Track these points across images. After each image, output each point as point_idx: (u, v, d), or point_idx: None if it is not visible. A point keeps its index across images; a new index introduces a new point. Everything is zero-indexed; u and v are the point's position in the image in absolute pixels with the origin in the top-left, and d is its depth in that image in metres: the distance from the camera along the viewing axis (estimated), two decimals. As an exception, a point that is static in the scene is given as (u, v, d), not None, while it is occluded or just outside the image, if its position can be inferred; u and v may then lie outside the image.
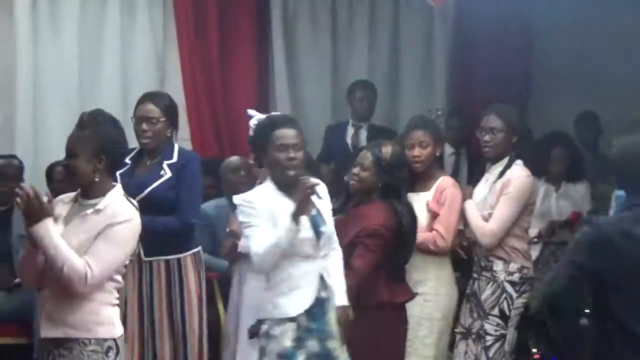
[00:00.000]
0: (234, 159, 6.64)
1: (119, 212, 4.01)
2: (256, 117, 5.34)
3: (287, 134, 4.75)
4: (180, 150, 5.44)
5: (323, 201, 4.85)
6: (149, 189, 5.34)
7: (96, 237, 3.94)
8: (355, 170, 5.36)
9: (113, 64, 7.88)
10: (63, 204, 4.06)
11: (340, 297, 4.86)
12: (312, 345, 4.70)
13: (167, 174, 5.36)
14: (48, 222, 3.85)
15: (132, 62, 7.97)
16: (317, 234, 4.76)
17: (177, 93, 7.91)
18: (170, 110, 5.44)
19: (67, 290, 3.91)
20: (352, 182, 5.40)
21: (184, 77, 8.03)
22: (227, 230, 5.90)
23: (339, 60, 8.60)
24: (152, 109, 5.33)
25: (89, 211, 3.98)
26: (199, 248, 5.62)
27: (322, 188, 4.80)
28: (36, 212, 3.81)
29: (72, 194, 4.11)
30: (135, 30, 7.99)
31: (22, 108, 7.59)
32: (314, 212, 4.72)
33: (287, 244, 4.60)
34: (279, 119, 5.00)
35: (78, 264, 3.87)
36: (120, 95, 7.74)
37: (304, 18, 8.52)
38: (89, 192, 4.03)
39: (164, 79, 8.04)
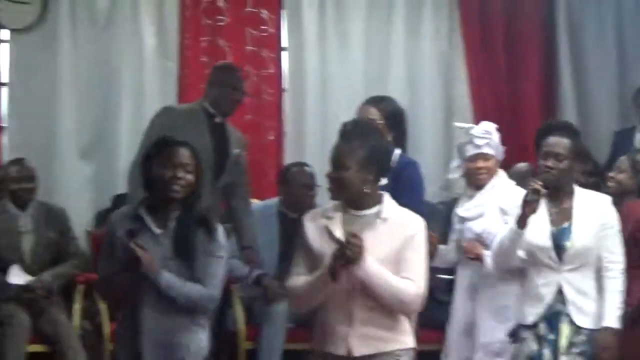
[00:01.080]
0: (523, 165, 6.62)
1: (409, 220, 4.02)
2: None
3: (553, 142, 4.76)
4: (401, 156, 5.27)
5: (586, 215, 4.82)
6: None
7: (401, 250, 3.94)
8: (612, 173, 5.46)
9: (399, 74, 7.98)
10: (326, 219, 4.02)
11: (608, 318, 4.75)
12: (547, 355, 4.76)
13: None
14: (370, 261, 3.84)
15: (418, 72, 8.05)
16: (559, 246, 4.77)
17: (464, 101, 7.98)
18: (392, 115, 5.32)
19: (396, 312, 3.95)
20: (609, 184, 5.49)
21: (470, 85, 8.05)
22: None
23: (626, 66, 8.41)
24: (373, 112, 5.33)
25: (377, 221, 3.98)
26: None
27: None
28: (357, 252, 3.80)
29: (323, 208, 4.11)
30: (420, 39, 8.07)
31: (311, 117, 7.84)
32: (565, 224, 4.77)
33: (510, 246, 4.74)
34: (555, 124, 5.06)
35: (407, 288, 3.88)
36: (407, 105, 7.82)
37: (590, 24, 8.39)
38: (360, 202, 4.01)
39: (449, 88, 8.10)
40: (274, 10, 7.85)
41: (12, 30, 7.51)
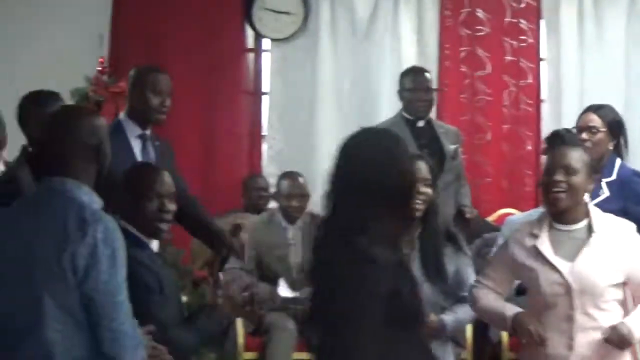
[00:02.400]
0: None
1: (621, 228, 3.89)
2: None
3: None
4: (622, 166, 5.05)
5: None
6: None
7: (628, 262, 3.82)
8: None
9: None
10: (531, 237, 3.89)
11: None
12: None
13: (605, 192, 5.12)
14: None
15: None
16: None
17: None
18: (613, 123, 5.11)
19: None
20: None
21: None
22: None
23: None
24: (595, 119, 5.11)
25: (591, 237, 3.85)
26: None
27: None
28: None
29: (527, 222, 3.99)
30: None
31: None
32: None
33: None
34: None
35: None
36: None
37: None
38: (572, 214, 3.88)
39: None
40: (533, 20, 7.72)
41: (273, 40, 7.65)
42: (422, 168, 4.12)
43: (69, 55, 7.11)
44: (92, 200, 3.18)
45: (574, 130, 5.09)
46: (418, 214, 4.07)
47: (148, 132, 4.70)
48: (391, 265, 3.12)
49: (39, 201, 3.21)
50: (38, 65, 7.06)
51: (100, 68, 6.64)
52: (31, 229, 3.14)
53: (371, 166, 3.16)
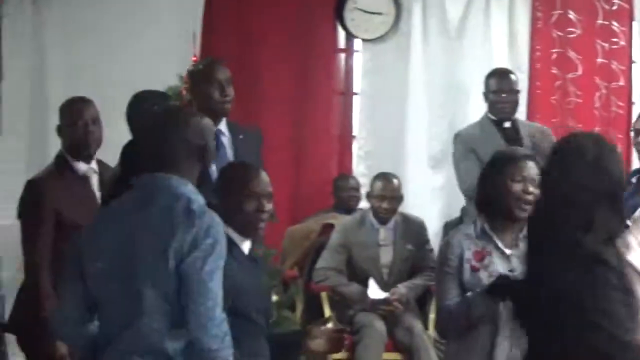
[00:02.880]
0: None
1: None
2: None
3: None
4: None
5: None
6: None
7: None
8: None
9: None
10: None
11: None
12: None
13: None
14: None
15: None
16: None
17: None
18: None
19: None
20: None
21: None
22: None
23: None
24: None
25: None
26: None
27: None
28: None
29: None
30: None
31: None
32: None
33: None
34: None
35: None
36: None
37: None
38: None
39: None
40: (625, 22, 7.65)
41: (365, 40, 7.71)
42: (532, 168, 4.08)
43: (164, 53, 7.21)
44: (199, 198, 3.26)
45: None
46: (526, 214, 4.03)
47: (221, 126, 4.65)
48: (618, 264, 3.39)
49: (144, 197, 3.26)
50: (133, 64, 7.20)
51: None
52: (136, 224, 3.22)
53: (596, 167, 3.47)
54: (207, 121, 3.39)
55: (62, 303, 3.40)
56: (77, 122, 4.68)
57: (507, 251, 4.07)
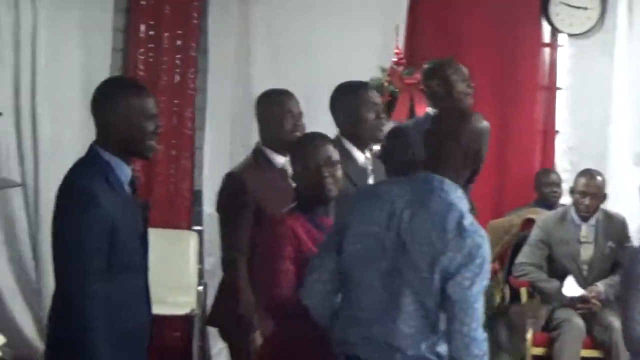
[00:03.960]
0: None
1: None
2: None
3: None
4: None
5: None
6: None
7: None
8: None
9: None
10: None
11: None
12: None
13: None
14: None
15: None
16: None
17: None
18: None
19: None
20: None
21: None
22: None
23: None
24: None
25: None
26: None
27: None
28: None
29: None
30: None
31: None
32: None
33: None
34: None
35: None
36: None
37: None
38: None
39: None
40: None
41: (570, 35, 7.70)
42: None
43: (366, 45, 7.32)
44: (464, 205, 3.30)
45: None
46: None
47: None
48: None
49: (418, 195, 3.30)
50: (336, 56, 7.30)
51: (395, 59, 6.83)
52: (405, 222, 3.27)
53: None
54: (484, 125, 3.44)
55: (313, 273, 3.48)
56: (286, 114, 4.59)
57: None
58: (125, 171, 3.53)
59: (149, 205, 3.96)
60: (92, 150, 3.54)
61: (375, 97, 4.71)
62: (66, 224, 3.39)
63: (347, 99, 4.65)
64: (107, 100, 3.52)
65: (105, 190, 3.42)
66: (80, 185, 3.41)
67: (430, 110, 5.22)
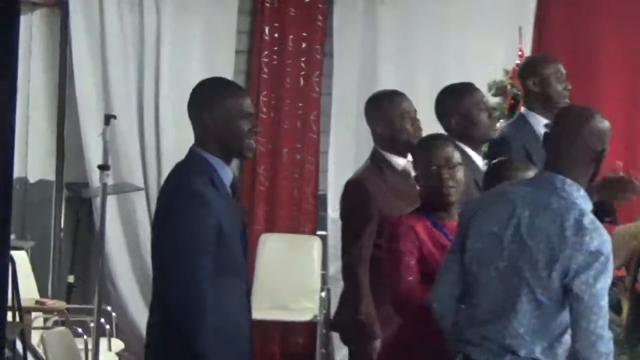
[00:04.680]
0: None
1: None
2: None
3: None
4: None
5: None
6: None
7: None
8: None
9: None
10: None
11: None
12: None
13: None
14: None
15: None
16: None
17: None
18: None
19: None
20: None
21: None
22: None
23: None
24: None
25: None
26: None
27: None
28: None
29: None
30: None
31: None
32: None
33: None
34: None
35: None
36: None
37: None
38: None
39: None
40: None
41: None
42: None
43: (492, 47, 7.24)
44: (588, 205, 3.26)
45: None
46: None
47: None
48: None
49: (539, 195, 3.27)
50: (464, 57, 7.25)
51: (518, 61, 6.71)
52: (525, 220, 3.24)
53: None
54: (606, 124, 3.36)
55: (443, 275, 3.45)
56: (405, 115, 4.47)
57: None
58: (227, 173, 3.54)
59: (246, 210, 3.93)
60: (193, 152, 3.55)
61: (484, 97, 4.64)
62: (178, 225, 3.40)
63: (458, 101, 4.53)
64: (203, 102, 3.54)
65: (211, 191, 3.44)
66: (190, 186, 3.43)
67: (524, 110, 4.96)
